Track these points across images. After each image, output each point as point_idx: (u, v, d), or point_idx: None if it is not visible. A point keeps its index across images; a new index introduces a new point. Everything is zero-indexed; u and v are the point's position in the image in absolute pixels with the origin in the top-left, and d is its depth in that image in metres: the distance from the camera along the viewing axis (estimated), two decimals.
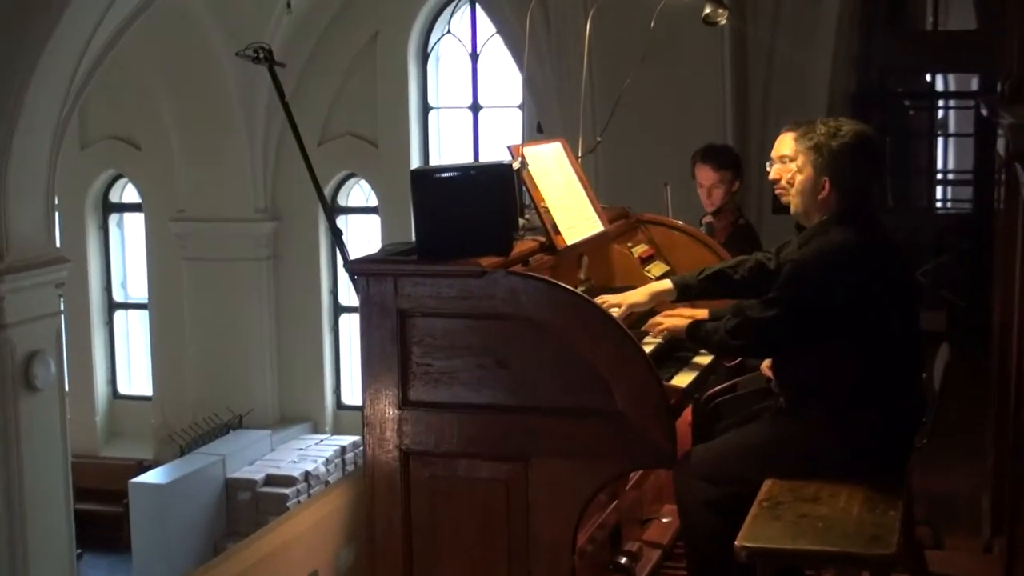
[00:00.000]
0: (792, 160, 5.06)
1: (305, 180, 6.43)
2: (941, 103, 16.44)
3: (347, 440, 14.79)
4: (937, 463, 5.63)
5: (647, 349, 4.35)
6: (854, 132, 4.33)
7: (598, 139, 6.05)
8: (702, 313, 4.66)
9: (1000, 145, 6.85)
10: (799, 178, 4.42)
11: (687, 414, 5.07)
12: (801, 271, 4.25)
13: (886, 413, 4.24)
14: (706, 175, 6.73)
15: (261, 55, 6.03)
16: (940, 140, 16.26)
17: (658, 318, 4.70)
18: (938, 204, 16.15)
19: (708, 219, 6.76)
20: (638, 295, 4.80)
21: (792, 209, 4.51)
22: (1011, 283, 6.00)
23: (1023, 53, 6.27)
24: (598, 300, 4.34)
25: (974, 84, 14.58)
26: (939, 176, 16.36)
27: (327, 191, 14.65)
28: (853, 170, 4.34)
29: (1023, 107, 5.70)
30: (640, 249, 5.53)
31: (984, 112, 7.95)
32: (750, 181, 8.64)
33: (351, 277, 4.64)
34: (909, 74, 14.96)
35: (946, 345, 5.03)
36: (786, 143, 5.20)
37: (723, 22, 6.45)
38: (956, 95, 16.65)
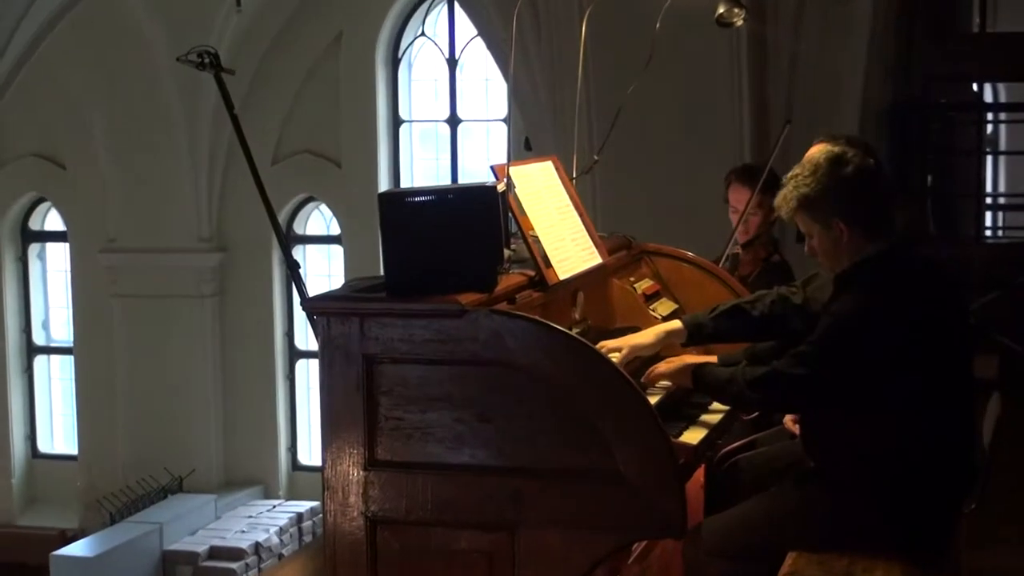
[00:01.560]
0: None
1: (257, 205, 6.44)
2: (990, 116, 16.50)
3: (304, 506, 14.74)
4: (988, 533, 5.63)
5: (652, 401, 4.35)
6: (825, 160, 4.35)
7: (595, 157, 6.07)
8: (710, 357, 4.66)
9: None
10: (812, 242, 4.43)
11: (699, 476, 5.07)
12: (840, 326, 4.24)
13: (929, 475, 4.24)
14: (744, 198, 6.71)
15: (206, 60, 6.06)
16: (990, 158, 16.31)
17: (660, 365, 4.70)
18: (988, 232, 16.18)
19: (735, 250, 6.75)
20: (643, 337, 4.81)
21: (827, 273, 4.54)
22: None
23: None
24: (597, 345, 4.34)
25: None
26: (988, 200, 16.40)
27: (282, 217, 14.65)
28: (855, 197, 4.35)
29: None
30: (644, 284, 5.54)
31: None
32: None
33: (309, 317, 4.65)
34: (953, 83, 15.03)
35: (997, 395, 5.04)
36: None
37: (739, 23, 6.49)
38: (1008, 107, 16.73)
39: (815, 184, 4.32)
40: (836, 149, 4.42)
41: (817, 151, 4.48)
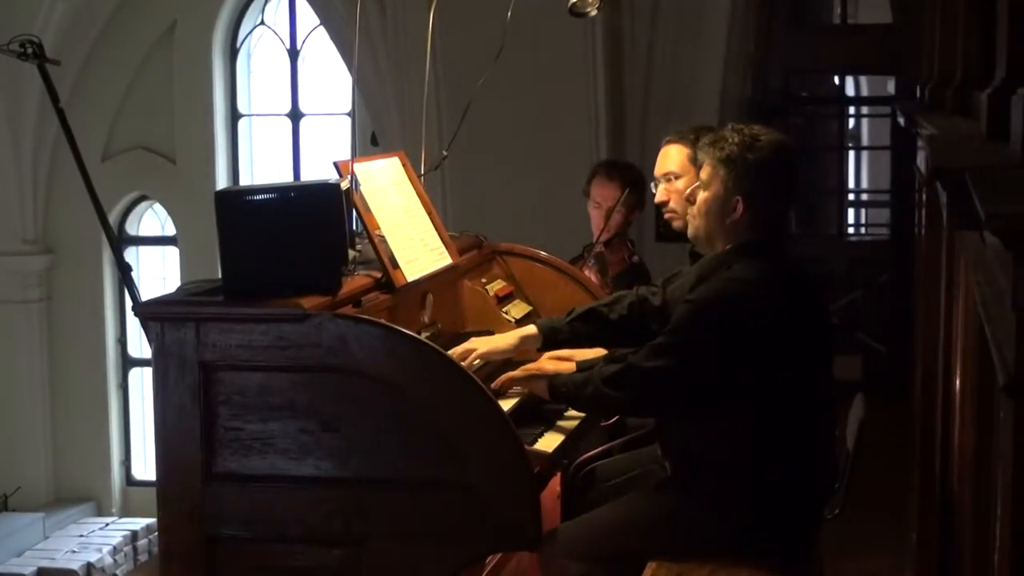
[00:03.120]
0: (679, 178, 5.14)
1: (86, 204, 6.36)
2: (852, 110, 16.81)
3: (139, 523, 14.57)
4: (852, 538, 5.72)
5: (506, 407, 4.36)
6: (773, 143, 4.34)
7: (444, 153, 6.07)
8: (568, 365, 4.68)
9: (920, 160, 7.02)
10: (702, 196, 4.40)
11: (554, 485, 5.10)
12: (699, 314, 4.24)
13: (790, 480, 4.29)
14: (610, 193, 6.74)
15: (29, 50, 5.97)
16: (852, 154, 16.60)
17: (514, 372, 4.71)
18: (850, 230, 16.47)
19: (600, 249, 6.78)
20: (497, 342, 4.81)
21: (691, 232, 4.51)
22: (934, 323, 6.14)
23: (946, 51, 6.44)
24: (450, 351, 4.34)
25: (890, 87, 14.93)
26: (851, 196, 16.69)
27: (113, 217, 14.47)
28: (771, 189, 4.36)
29: (945, 115, 5.85)
30: (496, 286, 5.56)
31: (901, 121, 8.14)
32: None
33: (142, 323, 4.59)
34: (815, 76, 15.27)
35: (861, 397, 5.14)
36: (671, 158, 5.29)
37: (593, 13, 6.52)
38: (870, 100, 17.04)
39: (756, 158, 4.29)
40: (789, 142, 4.42)
41: (774, 133, 4.43)
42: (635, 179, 6.78)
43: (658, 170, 5.32)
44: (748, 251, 4.34)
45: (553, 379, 4.53)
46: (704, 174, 4.41)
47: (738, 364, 4.20)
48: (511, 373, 4.67)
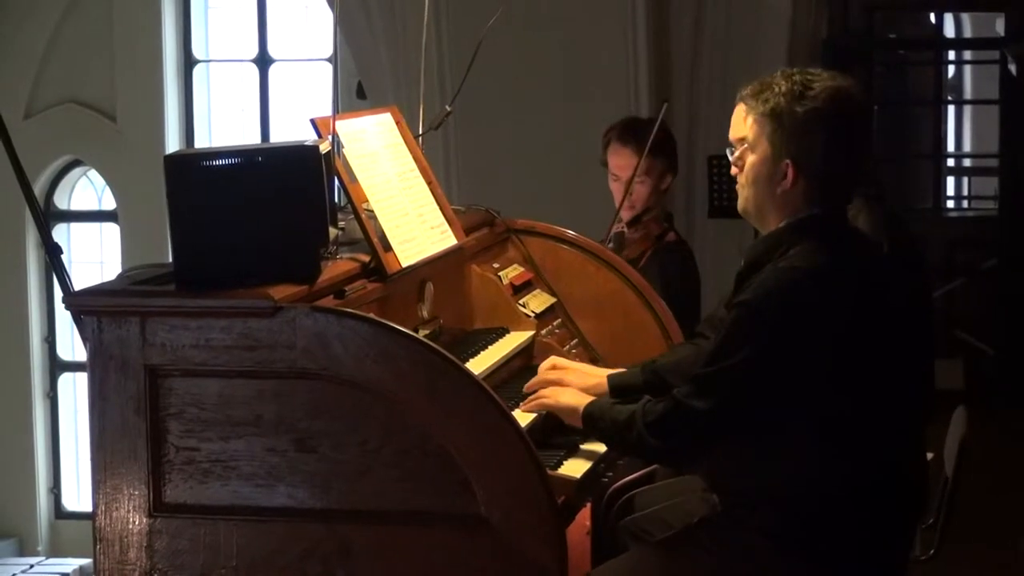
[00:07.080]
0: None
1: (5, 171, 6.37)
2: (952, 55, 16.73)
3: (71, 564, 14.63)
4: None
5: (523, 421, 4.36)
6: (830, 91, 4.30)
7: (448, 108, 6.08)
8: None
9: None
10: (750, 159, 4.39)
11: (583, 518, 5.10)
12: (753, 319, 4.20)
13: (869, 515, 4.28)
14: (627, 162, 6.73)
15: None
16: (951, 109, 16.53)
17: (545, 392, 4.69)
18: (949, 203, 16.42)
19: (620, 227, 6.77)
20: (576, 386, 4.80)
21: (740, 205, 4.48)
22: None
23: None
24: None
25: (999, 27, 14.88)
26: (950, 162, 16.63)
27: (39, 188, 14.50)
28: (828, 151, 4.31)
29: None
30: (512, 272, 5.57)
31: (1013, 68, 8.13)
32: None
33: (75, 317, 4.60)
34: (905, 12, 15.21)
35: (962, 410, 5.13)
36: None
37: None
38: (974, 43, 16.96)
39: (806, 111, 4.25)
40: (852, 89, 4.35)
41: (834, 79, 4.37)
42: (656, 140, 6.74)
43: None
44: (807, 230, 4.31)
45: (591, 413, 4.50)
46: (751, 132, 4.37)
47: (805, 376, 4.17)
48: (544, 396, 4.66)
